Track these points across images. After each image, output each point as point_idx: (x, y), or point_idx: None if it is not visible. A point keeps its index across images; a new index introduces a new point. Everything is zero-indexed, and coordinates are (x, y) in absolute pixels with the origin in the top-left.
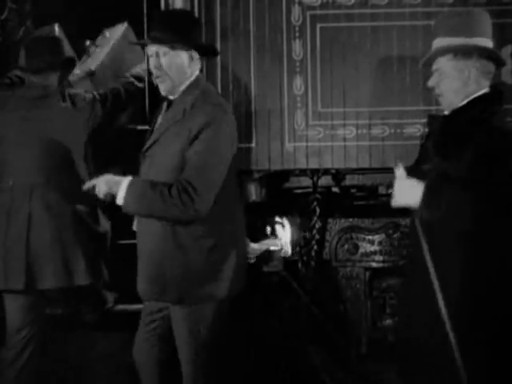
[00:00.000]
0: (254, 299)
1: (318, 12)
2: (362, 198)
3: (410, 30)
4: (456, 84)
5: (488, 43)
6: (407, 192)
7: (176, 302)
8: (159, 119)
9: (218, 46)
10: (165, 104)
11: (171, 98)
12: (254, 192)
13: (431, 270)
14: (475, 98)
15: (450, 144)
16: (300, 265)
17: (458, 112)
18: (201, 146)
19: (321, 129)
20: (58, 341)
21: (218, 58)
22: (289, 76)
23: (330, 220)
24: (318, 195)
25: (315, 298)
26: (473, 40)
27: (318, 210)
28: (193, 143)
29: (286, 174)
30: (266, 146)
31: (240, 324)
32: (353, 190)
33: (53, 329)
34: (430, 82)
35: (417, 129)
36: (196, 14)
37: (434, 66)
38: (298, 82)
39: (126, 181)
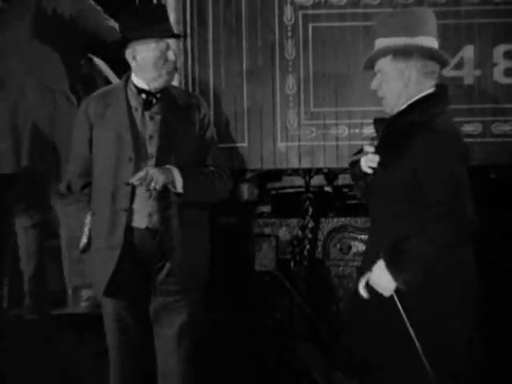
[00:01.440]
0: (247, 299)
1: (310, 12)
2: (354, 198)
3: None
4: (397, 85)
5: (431, 42)
6: (382, 283)
7: None
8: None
9: (211, 45)
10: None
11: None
12: (246, 191)
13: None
14: (416, 101)
15: (389, 151)
16: (292, 264)
17: (398, 116)
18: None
19: (313, 128)
20: (50, 341)
21: (211, 58)
22: (281, 75)
23: (323, 219)
24: (310, 195)
25: (308, 298)
26: (415, 40)
27: (310, 210)
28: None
29: (278, 174)
30: (258, 146)
31: (233, 323)
32: (345, 190)
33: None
34: (373, 85)
35: None
36: (188, 14)
37: (376, 68)
38: (291, 81)
39: (176, 169)
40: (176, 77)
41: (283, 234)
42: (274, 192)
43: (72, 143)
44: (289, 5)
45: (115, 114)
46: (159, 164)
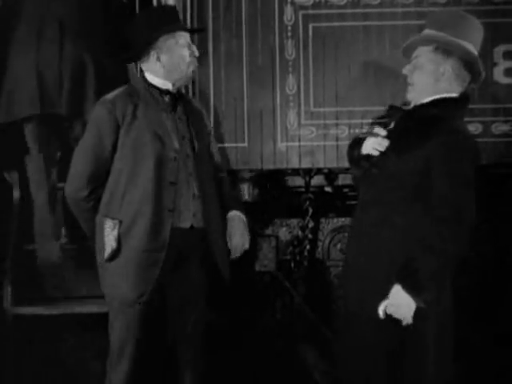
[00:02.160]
0: (247, 299)
1: (311, 12)
2: (354, 198)
3: (402, 30)
4: (428, 78)
5: (473, 51)
6: (403, 308)
7: None
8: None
9: (211, 45)
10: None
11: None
12: (246, 192)
13: None
14: (441, 98)
15: (406, 139)
16: (293, 264)
17: (420, 107)
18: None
19: (313, 128)
20: (52, 340)
21: (211, 58)
22: (281, 75)
23: (323, 219)
24: (310, 195)
25: (308, 298)
26: (459, 41)
27: (310, 210)
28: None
29: (278, 174)
30: (258, 146)
31: (233, 324)
32: (345, 190)
33: (46, 328)
34: (405, 69)
35: None
36: (188, 15)
37: (414, 54)
38: (291, 81)
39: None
40: None
41: (283, 234)
42: (274, 192)
43: (84, 145)
44: (289, 5)
45: (148, 115)
46: (197, 164)
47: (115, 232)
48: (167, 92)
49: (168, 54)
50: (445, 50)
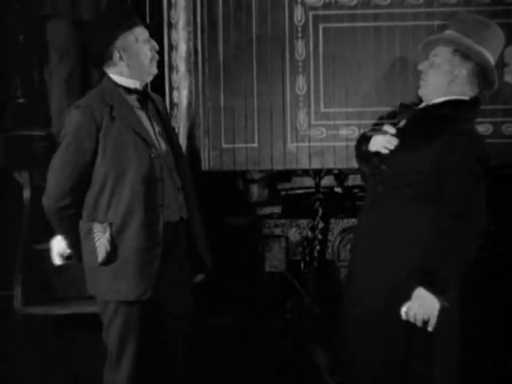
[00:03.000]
0: (257, 300)
1: (321, 12)
2: (364, 199)
3: (412, 31)
4: (443, 78)
5: (491, 60)
6: (426, 308)
7: None
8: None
9: (221, 45)
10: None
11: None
12: (256, 192)
13: None
14: (453, 100)
15: (416, 138)
16: (302, 265)
17: (431, 107)
18: None
19: (323, 129)
20: (62, 339)
21: (221, 59)
22: (291, 76)
23: (333, 220)
24: (320, 195)
25: (318, 298)
26: (479, 48)
27: (320, 211)
28: None
29: (288, 174)
30: (268, 146)
31: (242, 325)
32: (355, 190)
33: (56, 328)
34: (421, 65)
35: None
36: (198, 14)
37: (432, 52)
38: (301, 82)
39: None
40: (186, 77)
41: (293, 234)
42: (283, 193)
43: (63, 153)
44: (299, 5)
45: (124, 115)
46: (176, 157)
47: (107, 235)
48: (136, 91)
49: (130, 52)
50: (463, 53)
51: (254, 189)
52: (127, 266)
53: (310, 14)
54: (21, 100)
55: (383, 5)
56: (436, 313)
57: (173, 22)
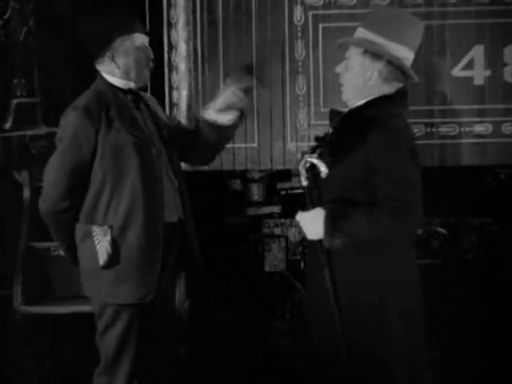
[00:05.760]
0: (257, 299)
1: (320, 12)
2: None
3: None
4: (357, 80)
5: (406, 53)
6: (311, 226)
7: None
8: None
9: (221, 45)
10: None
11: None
12: (255, 192)
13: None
14: (374, 99)
15: (342, 144)
16: (302, 264)
17: (354, 111)
18: None
19: (323, 128)
20: (61, 339)
21: (221, 58)
22: (291, 76)
23: None
24: None
25: None
26: (390, 45)
27: None
28: None
29: (288, 174)
30: (268, 146)
31: (243, 324)
32: None
33: (55, 327)
34: (338, 68)
35: (418, 128)
36: (198, 14)
37: (346, 54)
38: (301, 81)
39: None
40: (186, 77)
41: (293, 234)
42: (283, 192)
43: (62, 155)
44: (299, 5)
45: (122, 116)
46: (171, 157)
47: (108, 237)
48: (130, 91)
49: (124, 56)
50: (373, 53)
51: (254, 188)
52: (129, 268)
53: (310, 13)
54: (21, 100)
55: (382, 5)
56: (311, 237)
57: (172, 21)
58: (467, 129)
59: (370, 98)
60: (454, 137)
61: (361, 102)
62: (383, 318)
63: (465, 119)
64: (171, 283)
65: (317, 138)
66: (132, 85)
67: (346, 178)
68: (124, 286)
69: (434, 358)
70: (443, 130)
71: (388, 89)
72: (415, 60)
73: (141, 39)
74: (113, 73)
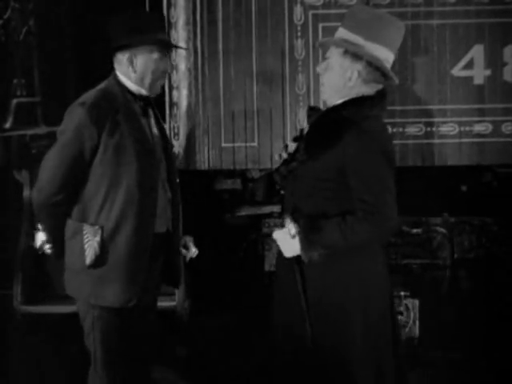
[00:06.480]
0: (256, 299)
1: (320, 11)
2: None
3: (411, 29)
4: (337, 81)
5: (386, 54)
6: (287, 244)
7: None
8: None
9: (220, 45)
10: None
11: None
12: (256, 191)
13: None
14: (351, 100)
15: (317, 143)
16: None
17: (331, 110)
18: None
19: None
20: (60, 338)
21: (221, 57)
22: (291, 75)
23: None
24: None
25: None
26: (371, 45)
27: None
28: None
29: None
30: (268, 145)
31: (242, 324)
32: None
33: (55, 326)
34: (319, 68)
35: (418, 128)
36: (198, 14)
37: (327, 54)
38: (300, 81)
39: None
40: (186, 77)
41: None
42: (283, 192)
43: (62, 148)
44: (299, 5)
45: (128, 121)
46: (169, 168)
47: (98, 238)
48: (140, 97)
49: (142, 62)
50: (354, 54)
51: (254, 188)
52: (115, 271)
53: (310, 13)
54: (21, 100)
55: (383, 4)
56: (287, 254)
57: (172, 21)
58: (467, 128)
59: (347, 99)
60: (453, 136)
61: (338, 102)
62: (347, 316)
63: (464, 119)
64: (154, 291)
65: (295, 138)
66: (143, 92)
67: (319, 176)
68: (108, 289)
69: (435, 357)
70: (443, 129)
71: (367, 90)
72: (415, 60)
73: (163, 50)
74: (128, 76)
